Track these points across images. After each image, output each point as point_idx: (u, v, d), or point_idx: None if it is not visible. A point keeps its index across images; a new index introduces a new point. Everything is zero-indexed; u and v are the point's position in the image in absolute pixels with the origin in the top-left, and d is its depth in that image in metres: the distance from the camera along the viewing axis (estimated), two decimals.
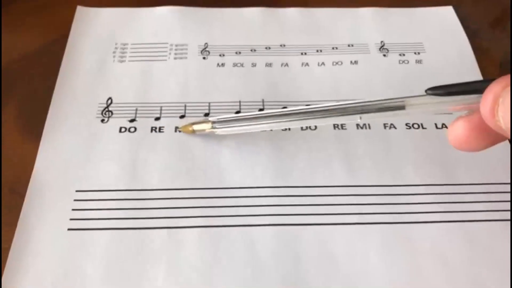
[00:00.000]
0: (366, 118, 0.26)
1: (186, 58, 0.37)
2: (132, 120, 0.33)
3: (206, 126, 0.31)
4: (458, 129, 0.23)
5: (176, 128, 0.33)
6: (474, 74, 0.37)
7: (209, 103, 0.34)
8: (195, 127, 0.31)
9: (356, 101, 0.26)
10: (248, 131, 0.30)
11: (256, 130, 0.29)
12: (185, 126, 0.32)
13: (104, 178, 0.30)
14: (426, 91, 0.24)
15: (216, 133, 0.31)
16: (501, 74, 0.20)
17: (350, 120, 0.27)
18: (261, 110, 0.34)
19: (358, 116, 0.26)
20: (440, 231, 0.28)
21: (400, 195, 0.30)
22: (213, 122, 0.30)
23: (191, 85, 0.35)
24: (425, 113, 0.26)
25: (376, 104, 0.25)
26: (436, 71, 0.37)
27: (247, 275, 0.27)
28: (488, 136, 0.22)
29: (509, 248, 0.28)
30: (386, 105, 0.25)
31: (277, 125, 0.28)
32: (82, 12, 0.40)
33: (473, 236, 0.28)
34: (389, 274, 0.27)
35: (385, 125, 0.33)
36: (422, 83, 0.36)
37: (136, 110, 0.34)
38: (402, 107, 0.25)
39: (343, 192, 0.30)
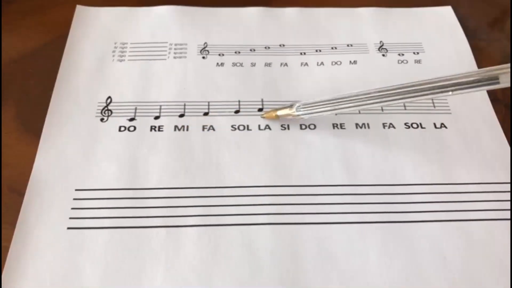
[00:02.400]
0: (456, 92, 0.26)
1: (185, 57, 0.37)
2: (131, 119, 0.33)
3: (290, 111, 0.32)
4: None
5: (260, 110, 0.34)
6: None
7: (209, 102, 0.34)
8: (279, 112, 0.32)
9: (446, 76, 0.26)
10: (331, 114, 0.31)
11: (341, 113, 0.31)
12: (268, 112, 0.33)
13: (104, 177, 0.30)
14: None
15: (301, 117, 0.32)
16: None
17: (441, 95, 0.27)
18: (260, 110, 0.34)
19: (449, 91, 0.26)
20: (439, 230, 0.28)
21: (399, 194, 0.30)
22: (298, 107, 0.31)
23: (191, 85, 0.35)
24: None
25: (468, 76, 0.25)
26: (435, 71, 0.37)
27: (246, 274, 0.27)
28: None
29: (509, 247, 0.28)
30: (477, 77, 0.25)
31: (361, 107, 0.29)
32: (81, 12, 0.40)
33: (473, 236, 0.28)
34: (388, 273, 0.27)
35: (384, 125, 0.33)
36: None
37: (136, 109, 0.34)
38: (495, 78, 0.25)
39: (342, 191, 0.30)
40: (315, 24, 0.40)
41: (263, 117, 0.33)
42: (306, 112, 0.31)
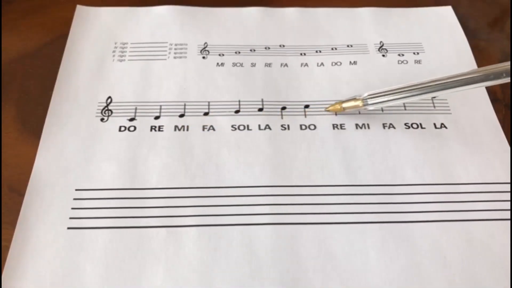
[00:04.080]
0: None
1: (185, 57, 0.37)
2: (131, 119, 0.33)
3: (357, 103, 0.32)
4: None
5: (260, 110, 0.34)
6: None
7: (209, 102, 0.34)
8: (345, 105, 0.33)
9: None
10: (397, 103, 0.32)
11: (407, 101, 0.32)
12: (334, 105, 0.33)
13: (104, 177, 0.30)
14: None
15: (369, 108, 0.32)
16: None
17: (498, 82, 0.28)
18: (260, 110, 0.34)
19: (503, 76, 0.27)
20: (439, 231, 0.28)
21: (399, 194, 0.30)
22: (364, 99, 0.32)
23: (191, 84, 0.35)
24: None
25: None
26: (435, 71, 0.37)
27: (246, 273, 0.27)
28: None
29: (509, 247, 0.28)
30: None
31: (428, 94, 0.30)
32: (81, 11, 0.40)
33: (472, 236, 0.28)
34: (388, 273, 0.27)
35: (384, 125, 0.33)
36: None
37: (136, 109, 0.34)
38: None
39: (342, 192, 0.30)
40: (315, 25, 0.40)
41: (328, 110, 0.34)
42: (373, 102, 0.32)
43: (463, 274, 0.27)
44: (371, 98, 0.32)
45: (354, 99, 0.32)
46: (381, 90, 0.32)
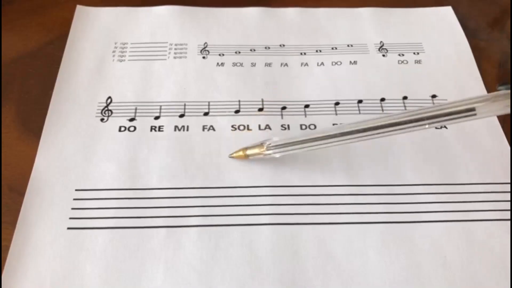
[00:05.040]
0: (433, 125, 0.25)
1: (185, 57, 0.37)
2: (131, 119, 0.33)
3: (260, 150, 0.30)
4: None
5: (261, 110, 0.33)
6: (473, 74, 0.37)
7: (209, 102, 0.34)
8: (249, 151, 0.31)
9: (422, 109, 0.25)
10: (304, 151, 0.29)
11: (312, 149, 0.28)
12: (237, 152, 0.31)
13: (104, 177, 0.30)
14: (498, 87, 0.23)
15: (271, 155, 0.30)
16: (499, 74, 0.20)
17: (417, 129, 0.25)
18: (260, 110, 0.34)
19: (425, 124, 0.25)
20: (440, 231, 0.28)
21: (400, 194, 0.30)
22: (268, 146, 0.30)
23: (191, 84, 0.35)
24: (495, 114, 0.25)
25: (444, 108, 0.24)
26: (435, 71, 0.37)
27: (246, 274, 0.27)
28: None
29: (509, 247, 0.28)
30: (454, 109, 0.24)
31: (335, 143, 0.27)
32: (81, 12, 0.40)
33: (473, 236, 0.28)
34: (388, 273, 0.27)
35: None
36: (421, 83, 0.36)
37: (136, 109, 0.34)
38: (472, 110, 0.24)
39: (342, 192, 0.30)
40: (315, 24, 0.40)
41: (232, 157, 0.31)
42: (277, 151, 0.30)
43: (463, 274, 0.27)
44: (275, 147, 0.29)
45: (259, 146, 0.30)
46: (286, 139, 0.29)
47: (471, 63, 0.38)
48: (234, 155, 0.31)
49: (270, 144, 0.30)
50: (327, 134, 0.28)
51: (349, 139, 0.27)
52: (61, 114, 0.33)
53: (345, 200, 0.29)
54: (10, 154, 0.32)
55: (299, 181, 0.30)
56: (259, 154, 0.30)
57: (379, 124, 0.26)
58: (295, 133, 0.31)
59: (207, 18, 0.40)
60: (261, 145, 0.30)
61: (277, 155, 0.30)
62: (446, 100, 0.35)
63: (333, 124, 0.33)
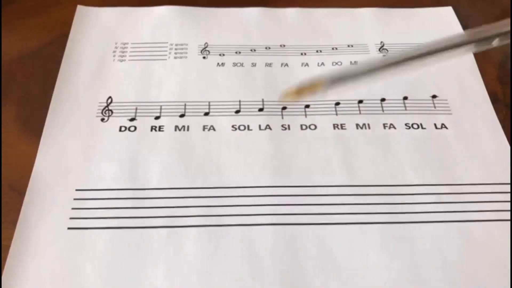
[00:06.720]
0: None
1: (186, 57, 0.37)
2: (132, 119, 0.33)
3: (314, 85, 0.27)
4: None
5: (261, 110, 0.32)
6: (473, 74, 0.37)
7: (209, 102, 0.34)
8: (302, 88, 0.28)
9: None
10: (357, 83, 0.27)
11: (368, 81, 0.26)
12: (289, 91, 0.28)
13: (104, 177, 0.30)
14: None
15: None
16: (500, 74, 0.20)
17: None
18: (261, 110, 0.34)
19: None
20: (440, 231, 0.28)
21: (400, 195, 0.30)
22: (325, 81, 0.27)
23: (191, 85, 0.35)
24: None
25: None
26: (435, 71, 0.37)
27: (246, 274, 0.27)
28: None
29: (509, 248, 0.28)
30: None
31: (392, 71, 0.26)
32: (82, 12, 0.40)
33: (473, 236, 0.28)
34: (388, 273, 0.27)
35: (384, 125, 0.33)
36: (421, 83, 0.36)
37: (136, 109, 0.34)
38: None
39: (342, 192, 0.30)
40: (315, 25, 0.40)
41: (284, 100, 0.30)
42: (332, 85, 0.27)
43: (463, 274, 0.27)
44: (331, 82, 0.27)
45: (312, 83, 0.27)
46: (339, 74, 0.27)
47: (471, 63, 0.38)
48: (287, 95, 0.28)
49: (325, 80, 0.26)
50: (388, 61, 0.26)
51: (408, 65, 0.26)
52: (61, 114, 0.33)
53: (345, 200, 0.30)
54: (11, 154, 0.32)
55: (299, 181, 0.30)
56: (313, 89, 0.27)
57: (438, 47, 0.26)
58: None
59: (207, 18, 0.40)
60: (314, 82, 0.27)
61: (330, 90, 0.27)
62: (446, 100, 0.35)
63: (333, 125, 0.33)
